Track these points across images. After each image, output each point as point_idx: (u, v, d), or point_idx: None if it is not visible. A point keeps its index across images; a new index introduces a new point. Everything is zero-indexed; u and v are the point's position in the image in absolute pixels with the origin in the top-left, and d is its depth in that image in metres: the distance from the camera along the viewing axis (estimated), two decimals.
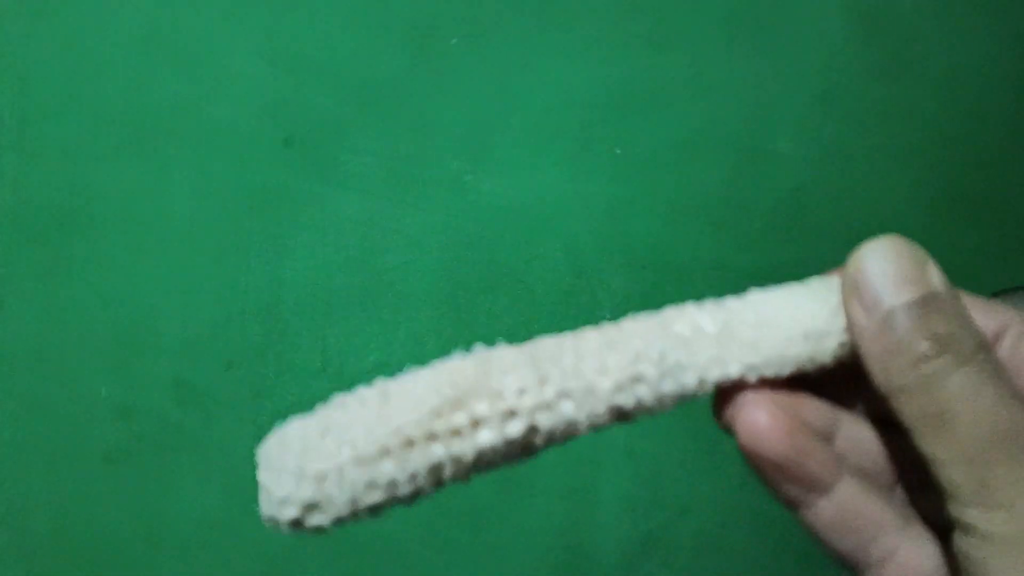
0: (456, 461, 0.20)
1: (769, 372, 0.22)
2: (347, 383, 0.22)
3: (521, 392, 0.21)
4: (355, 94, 0.51)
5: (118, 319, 0.48)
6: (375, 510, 0.21)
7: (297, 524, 0.21)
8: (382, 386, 0.22)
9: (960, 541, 0.18)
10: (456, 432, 0.20)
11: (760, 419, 0.21)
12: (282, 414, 0.61)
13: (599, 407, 0.21)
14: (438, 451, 0.20)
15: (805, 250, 0.65)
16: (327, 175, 0.51)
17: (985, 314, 0.21)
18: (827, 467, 0.21)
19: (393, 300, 0.53)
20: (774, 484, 0.21)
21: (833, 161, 0.67)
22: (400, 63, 0.52)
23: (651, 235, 0.60)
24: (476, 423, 0.21)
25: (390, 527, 0.55)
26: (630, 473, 0.62)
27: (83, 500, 0.48)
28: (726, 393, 0.22)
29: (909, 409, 0.19)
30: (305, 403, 0.59)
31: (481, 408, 0.21)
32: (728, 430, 0.23)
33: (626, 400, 0.21)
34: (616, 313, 0.62)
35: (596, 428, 0.22)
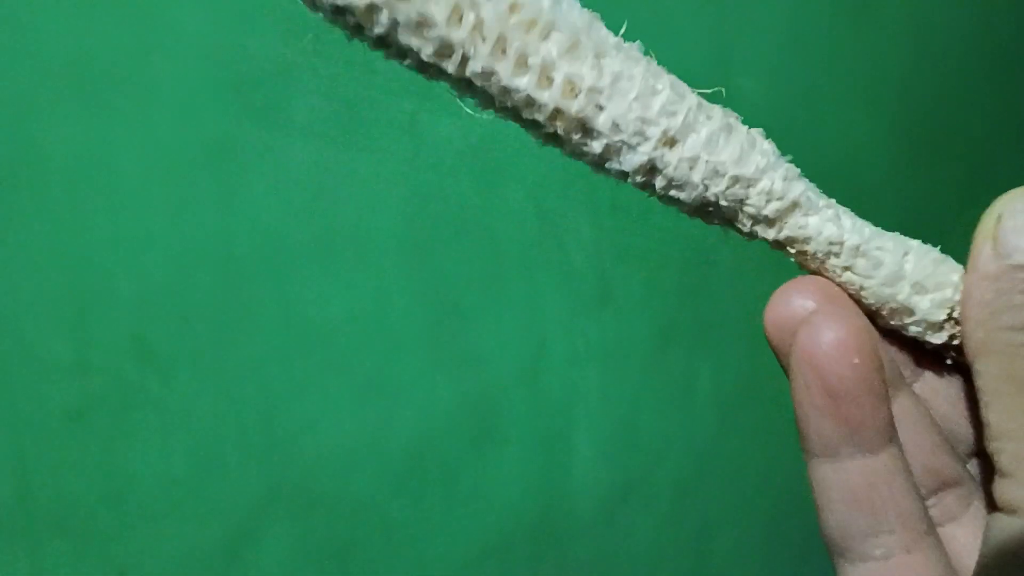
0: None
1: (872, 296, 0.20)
2: (312, 335, 0.21)
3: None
4: (301, 35, 0.49)
5: (70, 275, 0.47)
6: None
7: None
8: None
9: (1000, 523, 0.16)
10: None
11: (834, 333, 0.18)
12: (244, 371, 0.59)
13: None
14: None
15: None
16: (277, 121, 0.49)
17: None
18: (882, 423, 0.18)
19: (352, 247, 0.51)
20: (813, 412, 0.18)
21: (800, 104, 0.66)
22: None
23: None
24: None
25: (360, 485, 0.54)
26: (604, 420, 0.61)
27: (45, 461, 0.48)
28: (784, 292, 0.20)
29: (992, 370, 0.17)
30: (270, 358, 0.57)
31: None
32: (771, 338, 0.20)
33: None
34: (585, 257, 0.61)
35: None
